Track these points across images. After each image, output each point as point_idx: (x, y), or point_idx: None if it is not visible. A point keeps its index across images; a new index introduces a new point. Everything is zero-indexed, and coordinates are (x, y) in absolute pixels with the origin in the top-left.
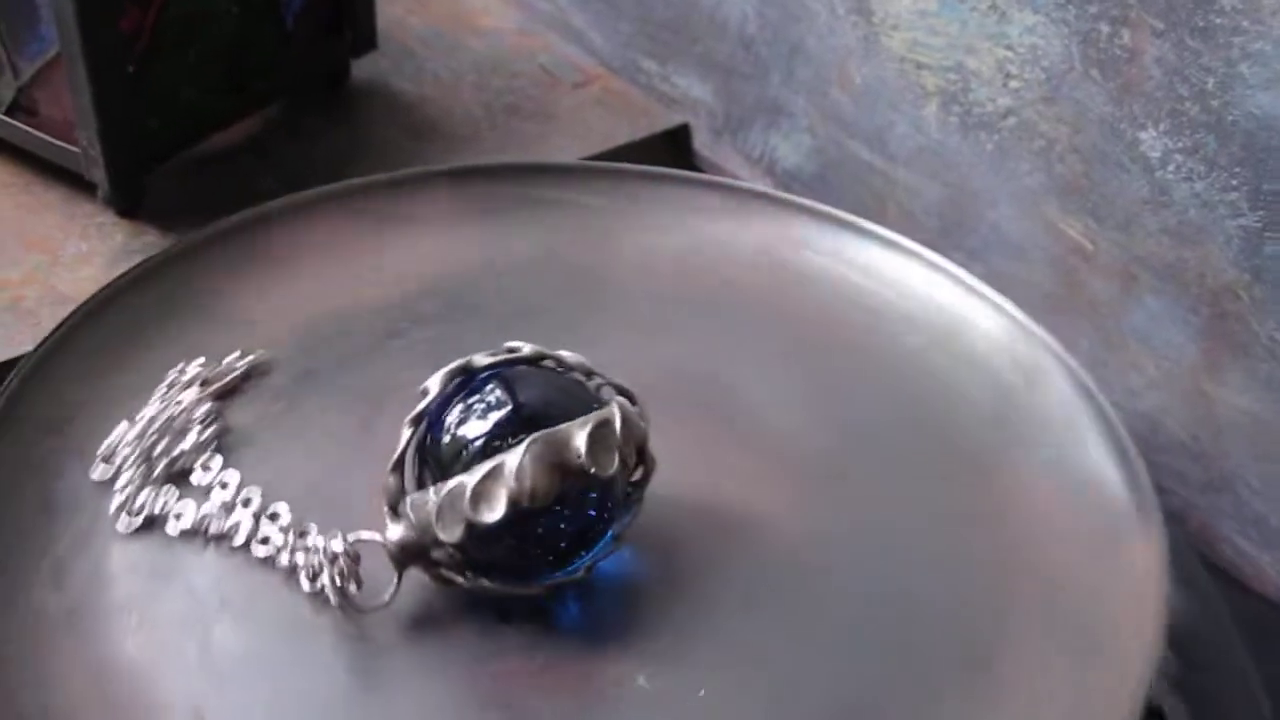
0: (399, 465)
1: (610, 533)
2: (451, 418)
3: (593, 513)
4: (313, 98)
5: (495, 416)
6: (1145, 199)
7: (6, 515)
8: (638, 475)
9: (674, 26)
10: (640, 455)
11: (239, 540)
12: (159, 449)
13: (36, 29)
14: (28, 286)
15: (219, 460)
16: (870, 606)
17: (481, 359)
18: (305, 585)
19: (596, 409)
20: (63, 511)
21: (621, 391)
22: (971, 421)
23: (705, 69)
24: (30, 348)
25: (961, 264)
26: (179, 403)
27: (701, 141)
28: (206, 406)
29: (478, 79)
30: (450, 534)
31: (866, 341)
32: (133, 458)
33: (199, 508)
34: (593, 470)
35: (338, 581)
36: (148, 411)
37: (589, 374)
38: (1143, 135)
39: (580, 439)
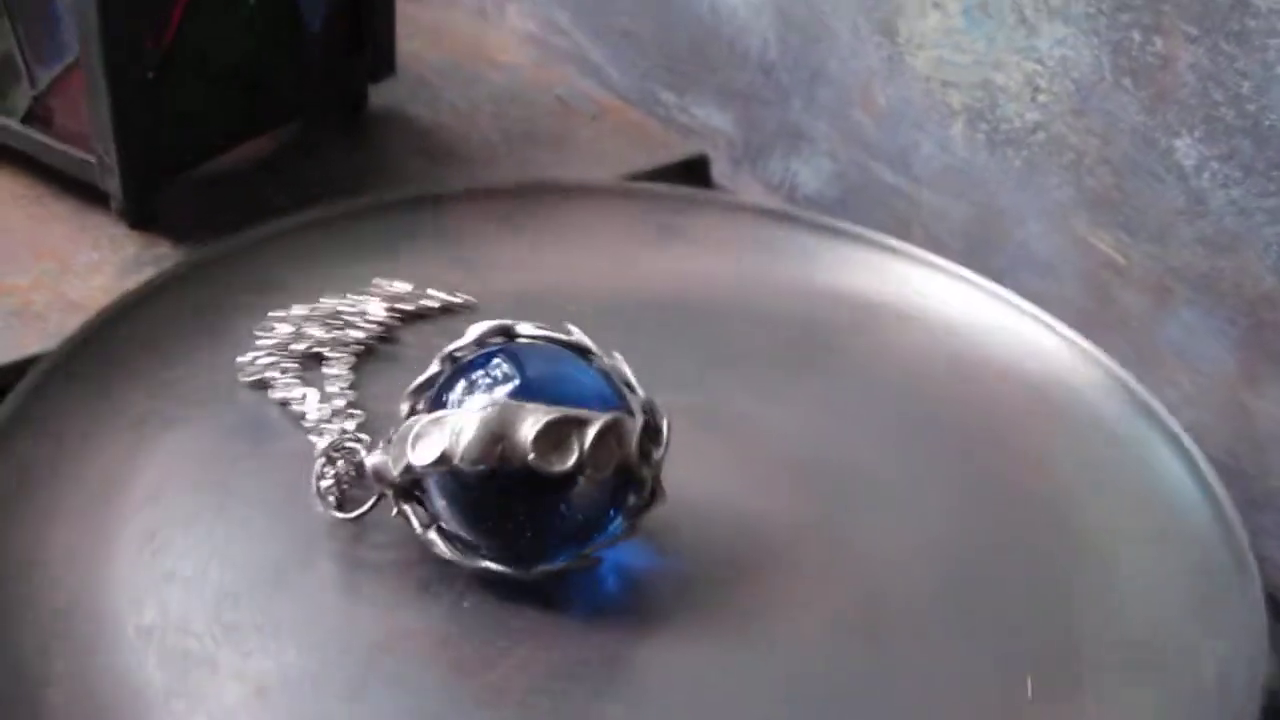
0: (415, 393)
1: (579, 547)
2: (454, 394)
3: (558, 513)
4: (329, 121)
5: (501, 390)
6: (1180, 208)
7: (169, 331)
8: (631, 500)
9: (693, 57)
10: (628, 475)
11: (308, 424)
12: (311, 329)
13: (56, 35)
14: (36, 292)
15: (348, 359)
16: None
17: (527, 327)
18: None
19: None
20: (215, 345)
21: (649, 413)
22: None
23: (724, 97)
24: (39, 350)
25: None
26: (360, 303)
27: (720, 171)
28: (382, 315)
29: (495, 108)
30: (396, 466)
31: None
32: (289, 329)
33: (298, 387)
34: (531, 459)
35: (322, 480)
36: (333, 300)
37: (630, 386)
38: (1177, 143)
39: (532, 424)
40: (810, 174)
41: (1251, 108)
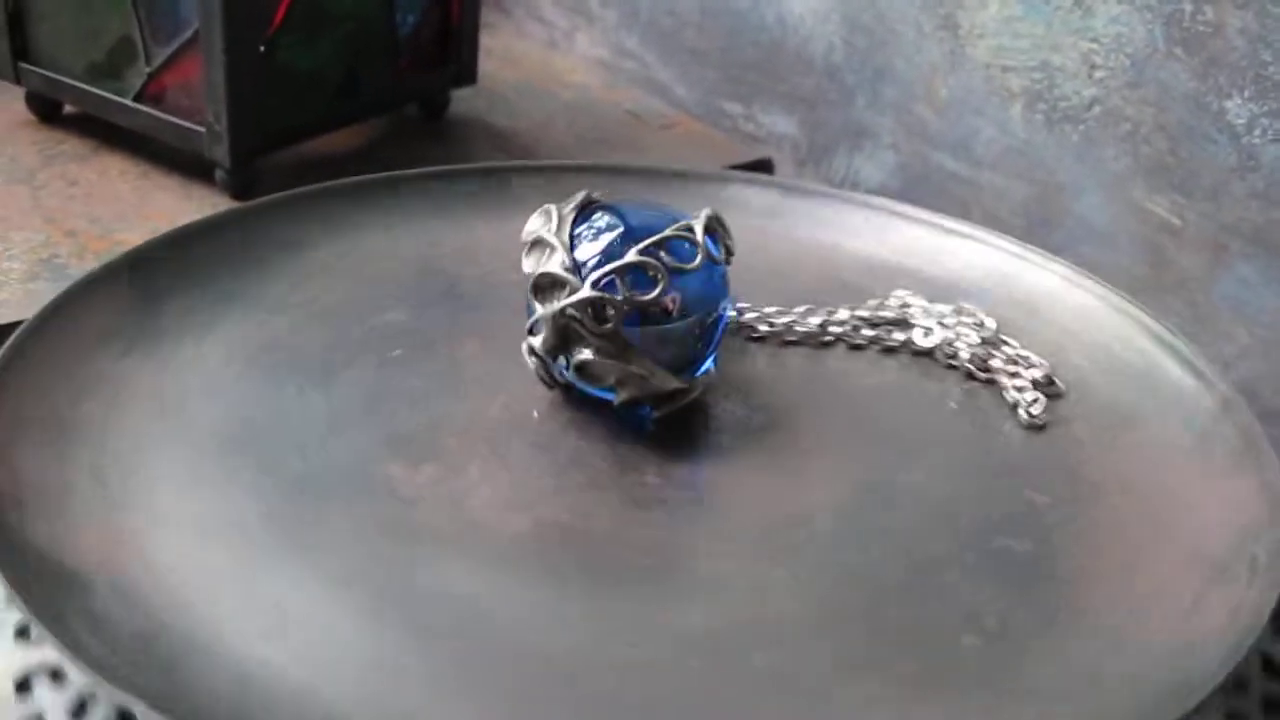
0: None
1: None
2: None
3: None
4: (414, 122)
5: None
6: (1233, 166)
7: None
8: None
9: (760, 67)
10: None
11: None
12: None
13: (176, 15)
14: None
15: None
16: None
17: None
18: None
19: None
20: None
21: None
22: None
23: (789, 103)
24: None
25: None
26: None
27: (785, 172)
28: None
29: (569, 118)
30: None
31: None
32: None
33: None
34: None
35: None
36: None
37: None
38: (1228, 105)
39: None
40: (873, 168)
41: None
